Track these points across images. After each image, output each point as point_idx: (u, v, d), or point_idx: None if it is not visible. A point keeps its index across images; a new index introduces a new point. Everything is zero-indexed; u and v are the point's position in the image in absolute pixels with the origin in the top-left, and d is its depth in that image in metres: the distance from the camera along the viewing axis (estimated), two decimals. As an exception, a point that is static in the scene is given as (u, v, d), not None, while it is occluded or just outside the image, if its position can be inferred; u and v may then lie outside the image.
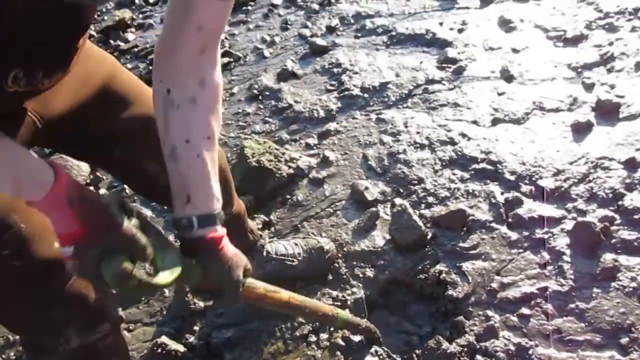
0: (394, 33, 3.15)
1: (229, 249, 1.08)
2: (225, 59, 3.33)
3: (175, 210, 1.04)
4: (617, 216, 1.81)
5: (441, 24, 3.11)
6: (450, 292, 1.72)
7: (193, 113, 1.04)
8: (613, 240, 1.75)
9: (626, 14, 2.76)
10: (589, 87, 2.37)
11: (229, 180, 1.55)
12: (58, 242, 0.88)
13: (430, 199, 2.05)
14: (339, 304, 1.72)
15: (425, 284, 1.78)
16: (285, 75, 3.03)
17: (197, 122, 1.04)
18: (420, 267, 1.82)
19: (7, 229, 0.98)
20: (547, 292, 1.67)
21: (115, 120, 1.23)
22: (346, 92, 2.75)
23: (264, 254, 1.75)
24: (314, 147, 2.46)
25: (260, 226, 2.10)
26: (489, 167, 2.10)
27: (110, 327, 1.21)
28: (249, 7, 3.96)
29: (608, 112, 2.21)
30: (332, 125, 2.55)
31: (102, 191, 2.53)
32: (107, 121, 1.23)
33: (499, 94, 2.47)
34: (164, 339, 1.72)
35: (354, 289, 1.77)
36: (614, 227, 1.78)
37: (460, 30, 3.01)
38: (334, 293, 1.77)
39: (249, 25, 3.72)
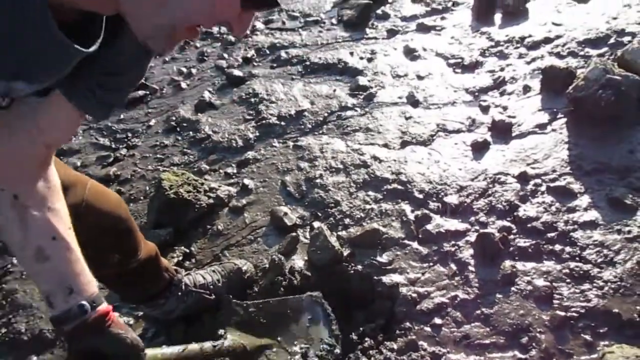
0: (308, 63, 3.27)
1: (120, 321, 1.11)
2: (142, 92, 3.30)
3: (57, 306, 1.03)
4: (513, 226, 1.98)
5: (352, 53, 3.28)
6: (375, 306, 1.81)
7: (50, 211, 1.06)
8: (511, 249, 1.91)
9: (514, 42, 3.05)
10: (485, 109, 2.60)
11: (133, 229, 1.54)
12: None
13: (347, 221, 2.13)
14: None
15: (348, 301, 1.85)
16: (202, 106, 3.05)
17: (56, 217, 1.07)
18: (341, 287, 1.88)
19: None
20: (456, 301, 1.79)
21: None
22: (263, 121, 2.81)
23: (183, 287, 1.75)
24: (233, 176, 2.49)
25: (180, 258, 2.09)
26: (399, 187, 2.23)
27: None
28: (165, 40, 3.95)
29: (502, 131, 2.42)
30: (250, 154, 2.60)
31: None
32: None
33: (407, 118, 2.64)
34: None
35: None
36: (511, 236, 1.94)
37: (369, 60, 3.18)
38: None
39: (165, 58, 3.72)
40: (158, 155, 2.76)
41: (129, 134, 2.98)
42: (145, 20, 0.77)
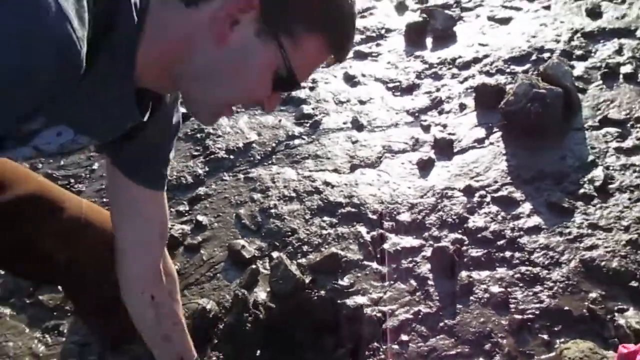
0: (251, 95, 3.30)
1: None
2: (81, 135, 3.20)
3: None
4: (465, 237, 2.07)
5: (294, 83, 3.34)
6: (342, 330, 1.82)
7: (174, 301, 1.30)
8: (465, 259, 1.99)
9: (446, 64, 3.22)
10: (427, 129, 2.72)
11: None
12: None
13: (305, 248, 2.15)
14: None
15: (316, 329, 1.85)
16: (147, 146, 3.00)
17: (177, 305, 1.31)
18: (304, 314, 1.89)
19: None
20: (420, 316, 1.84)
21: None
22: (212, 156, 2.80)
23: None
24: (186, 214, 2.45)
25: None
26: (353, 210, 2.28)
27: None
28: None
29: (444, 148, 2.54)
30: (201, 190, 2.57)
31: None
32: None
33: (353, 142, 2.72)
34: None
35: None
36: (464, 248, 2.03)
37: (311, 88, 3.26)
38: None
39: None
40: (104, 199, 2.67)
41: (72, 180, 2.88)
42: (199, 100, 0.95)
